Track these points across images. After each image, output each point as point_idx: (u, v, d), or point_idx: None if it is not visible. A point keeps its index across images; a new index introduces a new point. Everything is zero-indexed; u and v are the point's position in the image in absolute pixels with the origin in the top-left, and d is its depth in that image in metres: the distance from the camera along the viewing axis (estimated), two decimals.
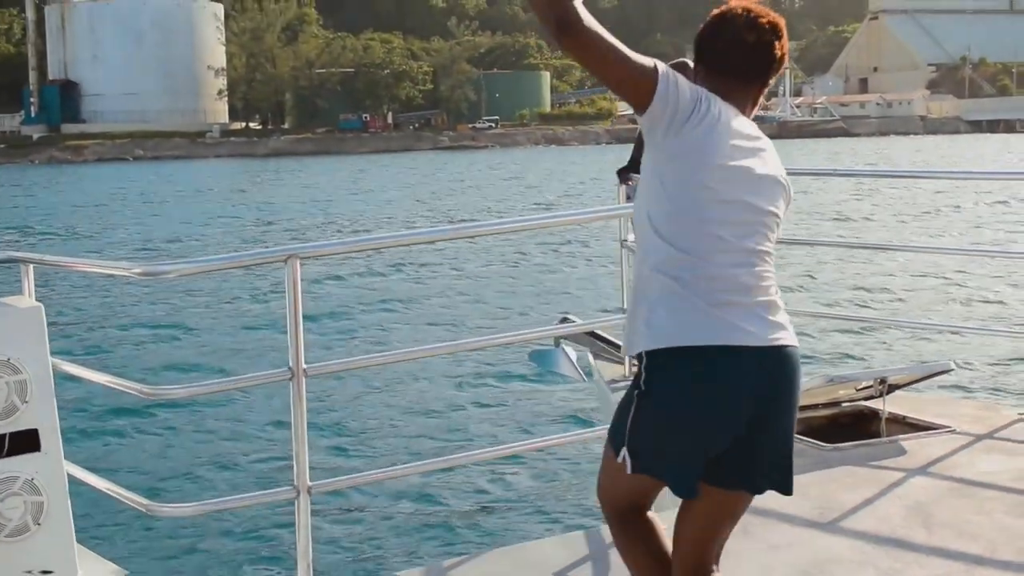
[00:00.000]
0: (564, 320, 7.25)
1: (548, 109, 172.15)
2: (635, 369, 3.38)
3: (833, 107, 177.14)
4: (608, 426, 3.52)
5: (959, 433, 6.50)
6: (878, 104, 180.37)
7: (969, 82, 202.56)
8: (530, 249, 30.56)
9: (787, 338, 3.36)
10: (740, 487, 3.43)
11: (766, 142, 3.48)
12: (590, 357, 7.67)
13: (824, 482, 5.66)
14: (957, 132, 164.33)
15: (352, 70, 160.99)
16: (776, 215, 3.42)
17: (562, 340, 6.76)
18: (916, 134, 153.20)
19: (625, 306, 7.14)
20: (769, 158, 3.45)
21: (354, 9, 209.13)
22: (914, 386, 7.23)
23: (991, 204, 40.15)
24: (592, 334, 7.38)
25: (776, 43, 3.49)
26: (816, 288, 23.01)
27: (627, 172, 7.71)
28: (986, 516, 5.20)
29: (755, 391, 3.27)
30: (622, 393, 6.84)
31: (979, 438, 6.45)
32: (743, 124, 3.41)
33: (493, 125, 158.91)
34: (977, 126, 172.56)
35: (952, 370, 7.16)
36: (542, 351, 6.97)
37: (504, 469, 10.99)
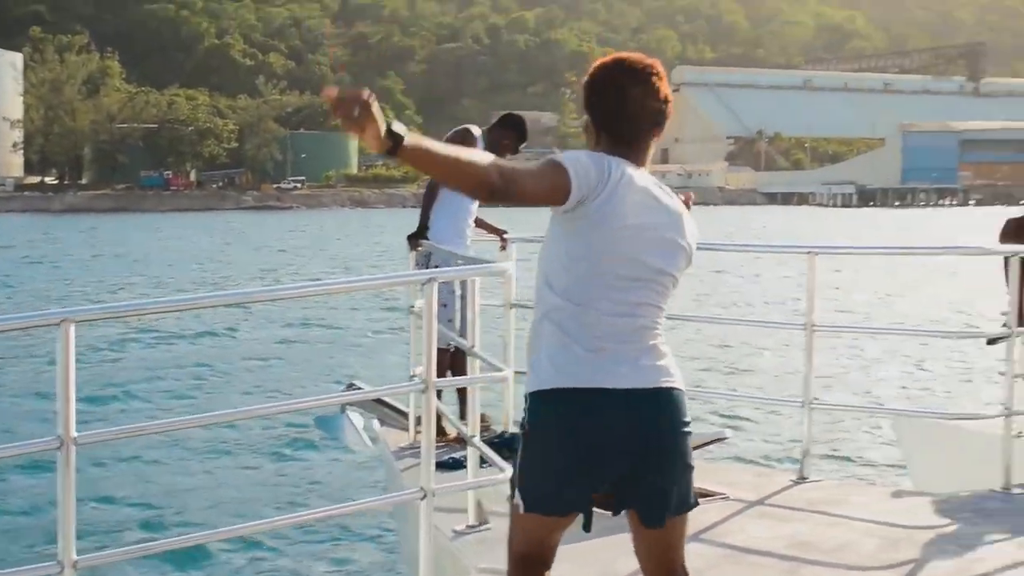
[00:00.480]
0: (351, 387, 7.23)
1: (355, 171, 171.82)
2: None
3: None
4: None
5: (733, 500, 6.65)
6: (679, 175, 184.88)
7: (765, 155, 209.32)
8: (319, 314, 30.18)
9: (664, 381, 3.57)
10: (651, 524, 3.64)
11: (674, 204, 3.67)
12: (376, 424, 7.69)
13: (606, 548, 5.63)
14: (753, 203, 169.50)
15: (155, 125, 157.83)
16: (671, 275, 3.62)
17: (348, 407, 6.75)
18: (715, 204, 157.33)
19: (413, 372, 7.20)
20: (675, 221, 3.63)
21: (159, 64, 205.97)
22: (696, 452, 7.35)
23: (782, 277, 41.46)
24: (379, 401, 7.38)
25: (662, 87, 3.68)
26: None
27: (417, 238, 7.77)
28: None
29: (628, 430, 3.47)
30: (408, 460, 6.90)
31: (752, 504, 6.61)
32: (648, 184, 3.59)
33: (299, 186, 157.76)
34: (772, 198, 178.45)
35: (727, 438, 7.37)
36: (327, 418, 6.91)
37: (286, 538, 10.80)
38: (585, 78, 3.73)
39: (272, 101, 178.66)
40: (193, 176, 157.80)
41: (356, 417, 6.81)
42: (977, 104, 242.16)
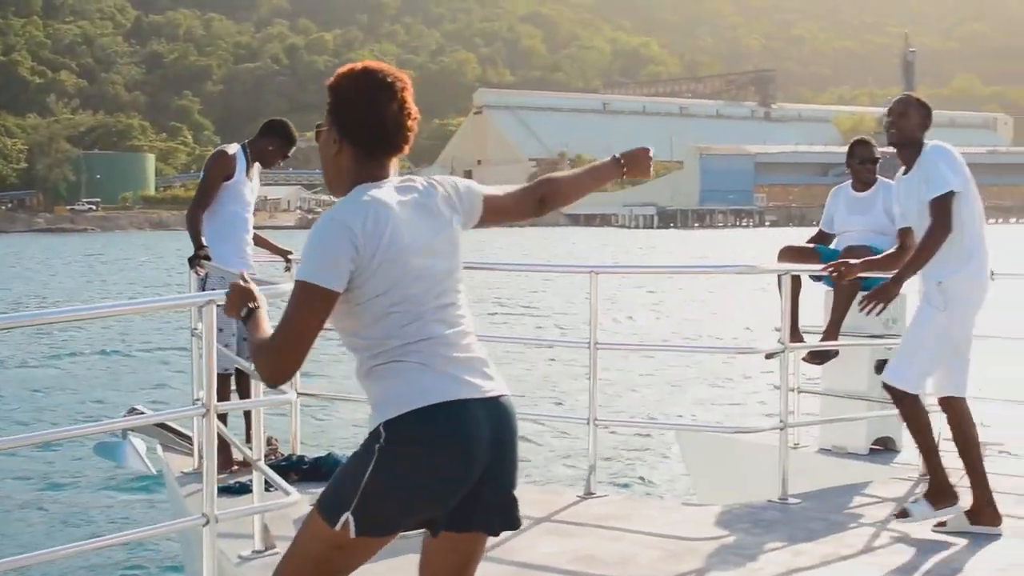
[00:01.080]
0: (132, 412, 7.07)
1: (152, 192, 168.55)
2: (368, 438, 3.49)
3: None
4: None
5: (521, 516, 6.71)
6: None
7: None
8: (101, 338, 29.40)
9: (502, 388, 3.57)
10: (475, 529, 3.56)
11: (424, 198, 3.59)
12: (159, 449, 7.55)
13: (388, 571, 5.70)
14: (557, 224, 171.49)
15: None
16: (452, 271, 3.59)
17: (130, 432, 6.60)
18: (519, 226, 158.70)
19: (196, 396, 7.08)
20: (432, 218, 3.58)
21: None
22: None
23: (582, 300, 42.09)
24: (162, 426, 7.24)
25: (411, 104, 3.60)
26: None
27: (196, 259, 7.62)
28: None
29: (485, 440, 3.45)
30: (191, 485, 6.77)
31: (539, 521, 6.66)
32: (395, 198, 3.51)
33: (94, 207, 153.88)
34: (575, 219, 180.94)
35: None
36: (109, 444, 6.72)
37: (68, 569, 10.41)
38: (331, 83, 3.62)
39: (64, 120, 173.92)
40: None
41: (139, 443, 6.67)
42: (768, 128, 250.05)
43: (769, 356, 7.76)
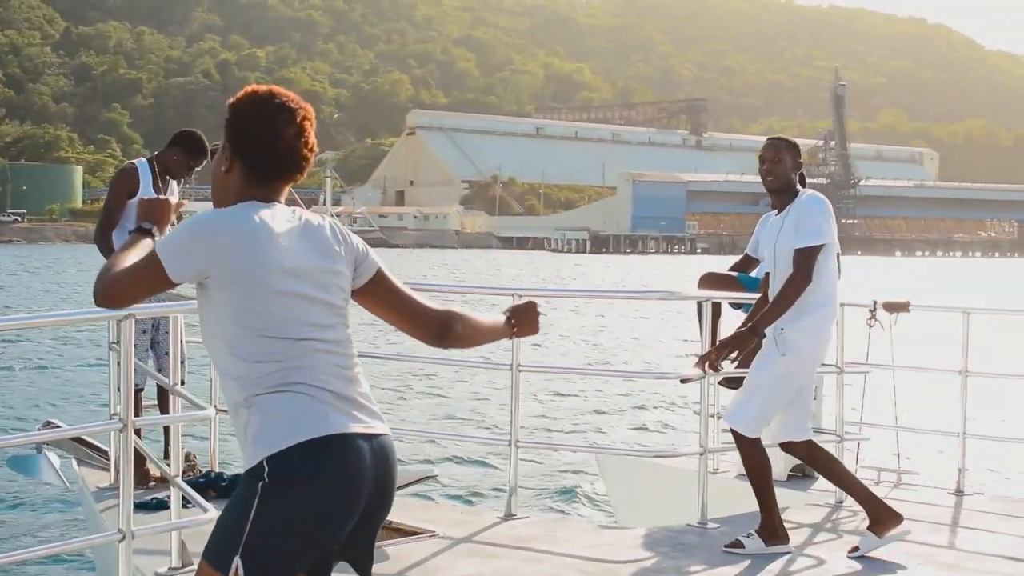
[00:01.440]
0: (48, 425, 6.97)
1: (80, 204, 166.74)
2: (251, 475, 3.29)
3: (372, 217, 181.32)
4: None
5: (442, 537, 6.70)
6: (415, 216, 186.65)
7: (500, 200, 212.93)
8: (17, 350, 28.87)
9: (384, 427, 3.43)
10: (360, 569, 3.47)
11: (310, 226, 3.49)
12: (75, 464, 7.45)
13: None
14: (490, 247, 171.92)
15: None
16: (337, 306, 3.48)
17: (45, 446, 6.52)
18: (452, 247, 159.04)
19: (114, 411, 6.98)
20: (314, 242, 3.46)
21: None
22: (398, 492, 7.38)
23: None
24: (78, 440, 7.15)
25: (311, 135, 3.52)
26: None
27: None
28: None
29: (370, 476, 3.31)
30: (108, 500, 6.68)
31: (460, 541, 6.67)
32: (283, 223, 3.43)
33: (19, 219, 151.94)
34: (508, 242, 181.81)
35: (435, 475, 7.43)
36: (23, 458, 6.61)
37: None
38: (232, 101, 3.56)
39: None
40: None
41: (54, 457, 6.58)
42: (699, 157, 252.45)
43: (684, 380, 7.84)
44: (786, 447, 6.76)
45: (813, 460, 6.82)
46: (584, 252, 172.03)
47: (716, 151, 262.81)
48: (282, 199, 3.54)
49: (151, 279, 3.40)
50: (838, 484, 6.88)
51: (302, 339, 3.36)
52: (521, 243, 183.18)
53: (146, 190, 7.73)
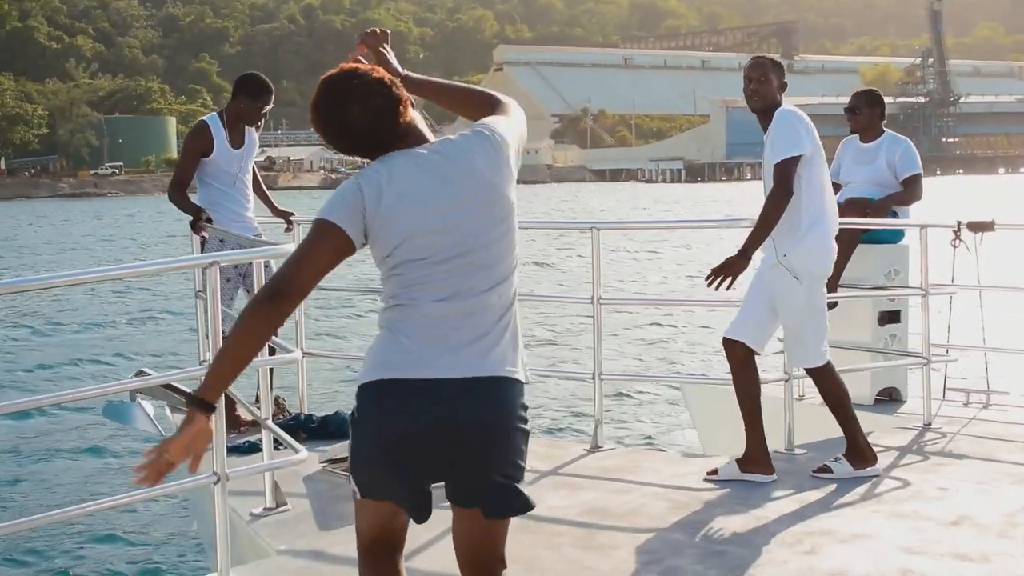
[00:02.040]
0: (140, 374, 7.12)
1: (174, 155, 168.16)
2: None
3: None
4: None
5: (529, 471, 6.73)
6: None
7: (590, 132, 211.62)
8: (108, 300, 29.46)
9: (501, 369, 3.38)
10: (475, 507, 3.47)
11: (457, 153, 3.44)
12: (167, 411, 7.63)
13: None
14: (583, 180, 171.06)
15: None
16: (493, 236, 3.42)
17: (138, 394, 6.67)
18: (544, 182, 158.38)
19: (203, 358, 7.14)
20: (466, 174, 3.42)
21: None
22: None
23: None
24: (169, 387, 7.29)
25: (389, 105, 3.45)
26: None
27: (197, 224, 7.61)
28: (554, 551, 5.40)
29: (449, 419, 3.31)
30: None
31: (547, 474, 6.72)
32: (415, 159, 3.41)
33: (117, 172, 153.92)
34: (601, 175, 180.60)
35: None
36: (117, 405, 6.78)
37: (80, 529, 10.59)
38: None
39: (84, 85, 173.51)
40: (2, 164, 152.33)
41: (147, 404, 6.74)
42: (791, 80, 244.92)
43: None
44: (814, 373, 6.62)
45: (823, 386, 6.64)
46: (679, 182, 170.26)
47: (808, 74, 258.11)
48: (422, 127, 3.54)
49: (325, 242, 3.39)
50: (833, 410, 6.67)
51: (426, 276, 3.40)
52: (614, 175, 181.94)
53: (220, 145, 7.80)
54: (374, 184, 3.36)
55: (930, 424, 7.80)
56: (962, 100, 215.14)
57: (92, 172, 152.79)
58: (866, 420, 6.91)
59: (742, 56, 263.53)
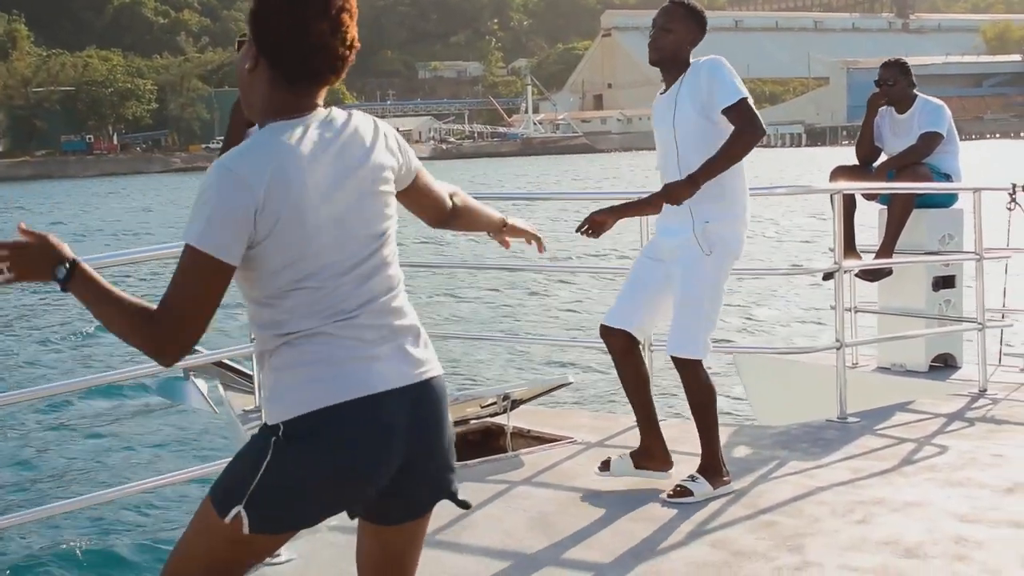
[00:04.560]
0: (192, 351, 7.26)
1: None
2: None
3: (575, 123, 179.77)
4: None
5: (579, 443, 6.77)
6: (618, 120, 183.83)
7: None
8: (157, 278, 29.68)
9: (430, 368, 3.12)
10: (396, 523, 3.20)
11: (347, 136, 3.04)
12: (220, 388, 7.67)
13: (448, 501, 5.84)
14: None
15: (72, 88, 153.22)
16: (380, 232, 3.07)
17: (191, 372, 6.78)
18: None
19: (252, 335, 7.22)
20: (354, 158, 3.03)
21: (67, 26, 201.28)
22: (536, 400, 7.45)
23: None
24: (221, 364, 7.43)
25: (351, 28, 3.03)
26: (434, 306, 23.07)
27: None
28: (605, 523, 5.41)
29: (402, 433, 3.01)
30: (254, 422, 6.95)
31: (595, 445, 6.75)
32: (315, 143, 2.97)
33: None
34: None
35: (571, 383, 7.48)
36: (171, 383, 6.92)
37: (135, 505, 10.68)
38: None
39: (194, 59, 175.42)
40: (115, 139, 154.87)
41: (200, 382, 6.85)
42: (908, 40, 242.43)
43: (827, 277, 7.68)
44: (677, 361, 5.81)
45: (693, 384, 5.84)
46: (799, 146, 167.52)
47: (924, 33, 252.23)
48: (319, 101, 3.08)
49: (209, 281, 2.89)
50: (697, 413, 5.86)
51: (338, 284, 3.01)
52: None
53: None
54: (266, 178, 2.90)
55: (985, 390, 7.69)
56: None
57: (203, 146, 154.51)
58: (920, 387, 6.87)
59: (856, 16, 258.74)
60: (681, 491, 5.68)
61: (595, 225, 5.77)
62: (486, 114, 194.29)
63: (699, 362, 5.73)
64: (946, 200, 8.41)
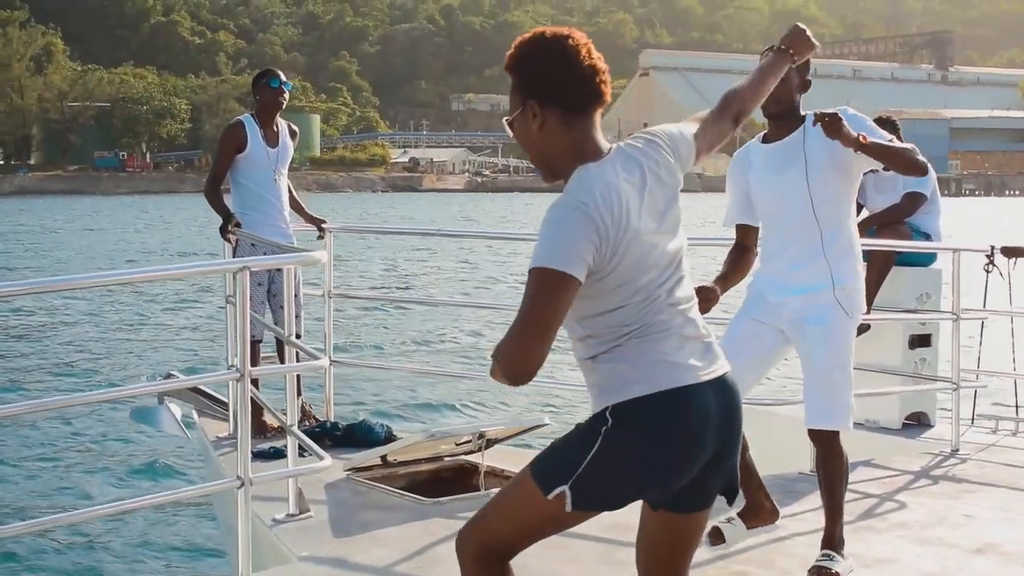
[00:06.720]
0: (168, 376, 7.30)
1: (318, 153, 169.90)
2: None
3: None
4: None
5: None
6: None
7: (740, 141, 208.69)
8: (136, 303, 29.15)
9: (725, 366, 3.48)
10: (700, 508, 3.52)
11: (645, 166, 3.40)
12: (194, 414, 7.74)
13: (421, 536, 5.78)
14: (720, 191, 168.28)
15: (107, 104, 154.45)
16: (679, 248, 3.46)
17: (166, 397, 6.81)
18: (696, 191, 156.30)
19: (231, 362, 7.14)
20: (655, 185, 3.40)
21: (103, 42, 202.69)
22: (512, 440, 7.45)
23: None
24: (197, 390, 7.47)
25: (593, 50, 3.39)
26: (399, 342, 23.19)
27: (226, 228, 7.84)
28: (577, 565, 5.47)
29: (714, 423, 3.35)
30: (226, 449, 6.99)
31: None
32: (617, 172, 3.32)
33: None
34: None
35: (547, 425, 7.51)
36: (145, 408, 6.90)
37: (105, 530, 10.49)
38: (511, 58, 3.41)
39: (231, 80, 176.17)
40: (148, 158, 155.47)
41: (175, 408, 6.86)
42: (947, 92, 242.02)
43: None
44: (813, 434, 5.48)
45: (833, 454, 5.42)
46: None
47: (963, 86, 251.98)
48: (599, 133, 3.42)
49: (559, 297, 3.16)
50: (829, 489, 5.45)
51: (655, 296, 3.37)
52: None
53: (254, 141, 8.12)
54: (604, 209, 3.28)
55: (957, 450, 7.73)
56: None
57: None
58: (893, 444, 6.89)
59: (895, 66, 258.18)
60: (717, 534, 5.36)
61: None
62: (519, 148, 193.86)
63: (838, 435, 5.37)
64: (925, 259, 8.47)
